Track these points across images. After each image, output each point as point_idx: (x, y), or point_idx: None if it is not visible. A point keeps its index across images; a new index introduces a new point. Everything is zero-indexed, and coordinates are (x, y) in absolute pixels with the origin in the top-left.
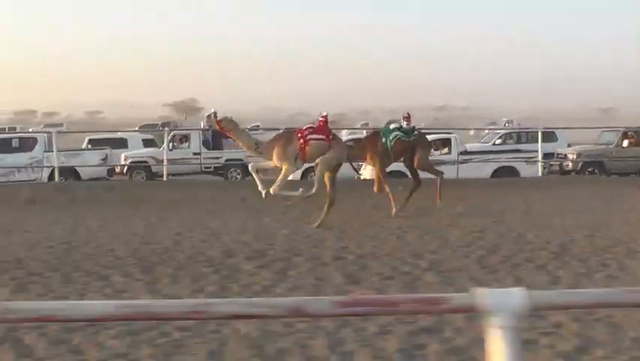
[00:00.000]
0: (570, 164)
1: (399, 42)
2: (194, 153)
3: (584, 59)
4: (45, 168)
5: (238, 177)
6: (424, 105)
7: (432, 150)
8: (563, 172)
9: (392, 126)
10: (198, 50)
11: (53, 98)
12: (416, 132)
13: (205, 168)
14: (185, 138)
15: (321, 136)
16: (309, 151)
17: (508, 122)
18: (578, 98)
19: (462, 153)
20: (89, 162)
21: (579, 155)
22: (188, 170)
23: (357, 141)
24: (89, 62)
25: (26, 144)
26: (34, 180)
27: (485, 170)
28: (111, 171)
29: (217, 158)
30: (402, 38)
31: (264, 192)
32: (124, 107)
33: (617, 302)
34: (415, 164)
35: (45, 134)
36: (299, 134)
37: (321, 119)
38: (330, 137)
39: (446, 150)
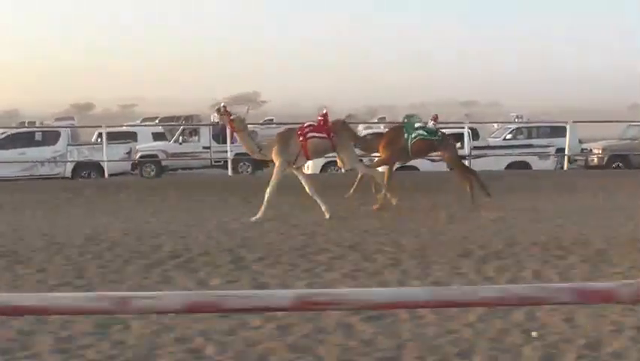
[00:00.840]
0: (595, 159)
1: (424, 38)
2: (204, 147)
3: (612, 57)
4: (68, 162)
5: (248, 170)
6: (450, 100)
7: (456, 150)
8: (588, 167)
9: (417, 125)
10: (259, 42)
11: (119, 91)
12: (440, 133)
13: (215, 161)
14: (195, 132)
15: (321, 134)
16: (310, 148)
17: (517, 117)
18: (605, 96)
19: (483, 148)
20: (113, 156)
21: (604, 150)
22: (198, 164)
23: (377, 135)
24: (142, 57)
25: (49, 138)
26: (57, 174)
27: (499, 164)
28: (134, 166)
29: (226, 152)
30: (428, 34)
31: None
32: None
33: None
34: (449, 167)
35: (69, 128)
36: (299, 132)
37: (320, 117)
38: (331, 134)
39: (459, 144)
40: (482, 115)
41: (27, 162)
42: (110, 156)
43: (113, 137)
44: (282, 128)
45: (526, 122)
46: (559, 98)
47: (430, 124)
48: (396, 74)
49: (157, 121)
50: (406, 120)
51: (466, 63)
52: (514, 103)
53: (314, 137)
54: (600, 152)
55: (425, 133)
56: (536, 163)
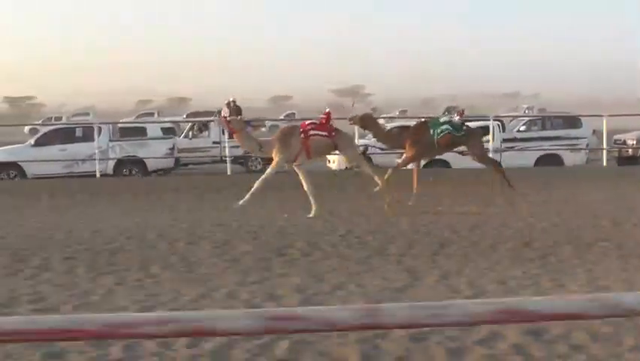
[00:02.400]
0: (630, 150)
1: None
2: (214, 142)
3: None
4: (110, 159)
5: (259, 166)
6: (490, 92)
7: (483, 144)
8: (622, 159)
9: (442, 119)
10: (366, 36)
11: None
12: (465, 128)
13: (225, 156)
14: (205, 127)
15: (323, 132)
16: (311, 146)
17: (528, 108)
18: None
19: (511, 141)
20: (157, 152)
21: (639, 140)
22: (208, 159)
23: (402, 128)
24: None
25: (90, 134)
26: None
27: (528, 158)
28: (177, 162)
29: (237, 147)
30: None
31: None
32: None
33: None
34: (474, 158)
35: (110, 124)
36: (301, 130)
37: (323, 116)
38: (333, 133)
39: (486, 138)
40: (496, 106)
41: (63, 160)
42: (153, 153)
43: (123, 133)
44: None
45: (554, 113)
46: (603, 90)
47: (456, 118)
48: (434, 65)
49: (184, 116)
50: (446, 112)
51: (509, 53)
52: (556, 95)
53: (316, 135)
54: (635, 143)
55: (451, 128)
56: (568, 157)
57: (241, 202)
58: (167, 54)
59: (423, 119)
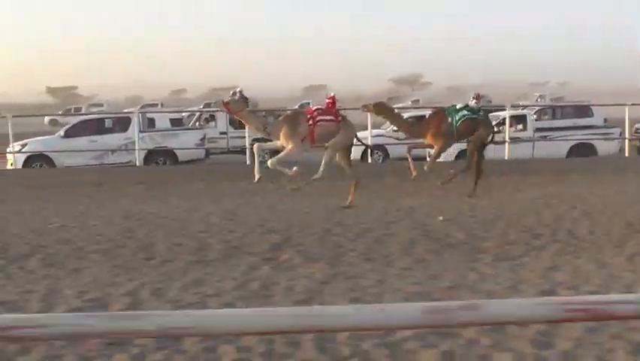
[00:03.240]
0: None
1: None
2: (221, 133)
3: None
4: (140, 150)
5: (266, 156)
6: (517, 81)
7: (494, 131)
8: None
9: (458, 106)
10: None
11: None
12: (481, 112)
13: (232, 147)
14: (212, 117)
15: (329, 117)
16: (317, 132)
17: (540, 96)
18: None
19: (543, 130)
20: (187, 143)
21: None
22: (217, 150)
23: (418, 118)
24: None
25: (120, 125)
26: (128, 162)
27: (560, 148)
28: (208, 152)
29: (243, 137)
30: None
31: (257, 177)
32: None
33: None
34: (477, 140)
35: (140, 114)
36: (308, 115)
37: (328, 100)
38: (339, 118)
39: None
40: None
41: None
42: (184, 143)
43: (153, 123)
44: None
45: (570, 103)
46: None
47: (472, 102)
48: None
49: (201, 107)
50: (474, 101)
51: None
52: (586, 83)
53: (322, 120)
54: None
55: (469, 113)
56: (602, 146)
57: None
58: (205, 46)
59: (438, 108)
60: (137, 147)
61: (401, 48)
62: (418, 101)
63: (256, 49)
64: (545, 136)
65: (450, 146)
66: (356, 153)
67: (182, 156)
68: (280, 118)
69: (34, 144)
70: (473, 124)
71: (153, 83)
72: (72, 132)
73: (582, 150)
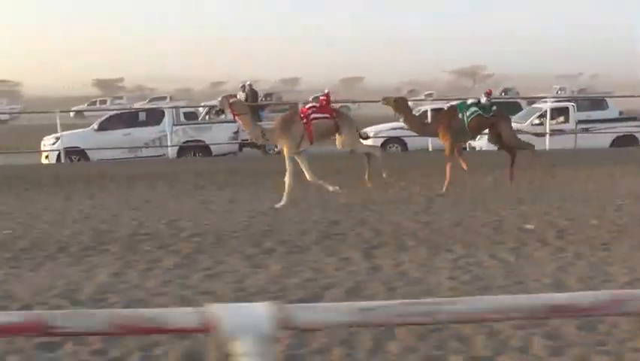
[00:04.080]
0: None
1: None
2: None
3: None
4: (174, 143)
5: (276, 149)
6: (547, 73)
7: (512, 126)
8: None
9: (469, 102)
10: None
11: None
12: (494, 108)
13: (242, 140)
14: (222, 111)
15: (324, 115)
16: (314, 130)
17: (560, 89)
18: None
19: (585, 122)
20: (221, 137)
21: None
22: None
23: (438, 111)
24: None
25: (153, 118)
26: (162, 155)
27: (602, 140)
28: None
29: None
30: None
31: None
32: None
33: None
34: (503, 141)
35: (173, 108)
36: (302, 114)
37: (322, 97)
38: (334, 114)
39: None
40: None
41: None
42: (217, 137)
43: (188, 117)
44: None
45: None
46: None
47: (484, 99)
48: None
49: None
50: (503, 94)
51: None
52: (618, 76)
53: (317, 118)
54: None
55: (480, 110)
56: None
57: (280, 204)
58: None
59: (451, 104)
60: (169, 142)
61: (462, 40)
62: (431, 95)
63: (290, 43)
64: (587, 128)
65: (461, 142)
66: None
67: (215, 149)
68: (275, 122)
69: (68, 138)
70: (484, 121)
71: (194, 75)
72: (106, 125)
73: (626, 142)
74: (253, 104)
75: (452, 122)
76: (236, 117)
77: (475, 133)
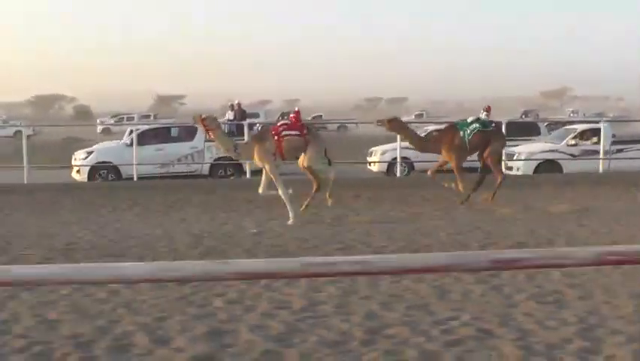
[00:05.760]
0: None
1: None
2: None
3: None
4: (206, 159)
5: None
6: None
7: (505, 144)
8: None
9: (470, 119)
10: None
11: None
12: (493, 125)
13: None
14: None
15: (295, 132)
16: (285, 147)
17: (573, 112)
18: None
19: (617, 143)
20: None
21: None
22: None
23: (430, 133)
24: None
25: (186, 134)
26: (194, 171)
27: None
28: None
29: None
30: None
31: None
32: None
33: None
34: (485, 155)
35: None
36: (273, 132)
37: (292, 115)
38: (305, 131)
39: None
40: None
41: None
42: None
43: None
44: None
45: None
46: None
47: (483, 115)
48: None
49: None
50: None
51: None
52: None
53: (288, 135)
54: None
55: (480, 126)
56: None
57: (290, 221)
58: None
59: (449, 123)
60: (204, 159)
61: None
62: (422, 115)
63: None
64: (622, 149)
65: (464, 159)
66: (382, 166)
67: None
68: (247, 139)
69: (100, 153)
70: (485, 136)
71: (239, 92)
72: (138, 140)
73: None
74: (240, 122)
75: (454, 139)
76: (209, 132)
77: (473, 150)
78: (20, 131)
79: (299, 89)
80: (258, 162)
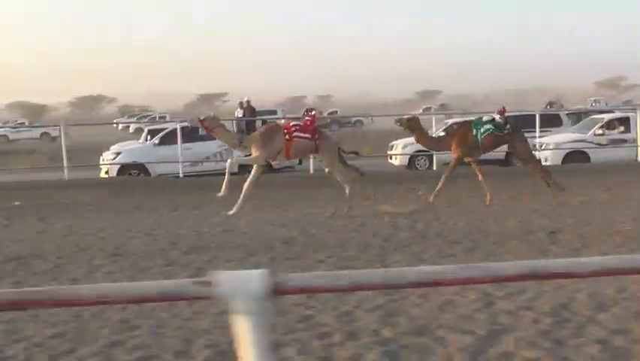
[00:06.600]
0: None
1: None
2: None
3: None
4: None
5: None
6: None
7: (527, 141)
8: None
9: (485, 118)
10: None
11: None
12: (509, 126)
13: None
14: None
15: (306, 135)
16: (293, 147)
17: (595, 101)
18: None
19: None
20: None
21: None
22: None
23: (451, 127)
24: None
25: None
26: (222, 169)
27: None
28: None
29: None
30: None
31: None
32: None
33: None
34: (518, 155)
35: (233, 121)
36: (285, 131)
37: (308, 118)
38: (316, 136)
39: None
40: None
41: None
42: None
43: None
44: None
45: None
46: None
47: (497, 117)
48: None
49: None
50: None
51: None
52: None
53: (299, 137)
54: None
55: (493, 128)
56: None
57: (233, 211)
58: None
59: (465, 120)
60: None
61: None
62: (429, 109)
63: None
64: None
65: (470, 158)
66: (403, 159)
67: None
68: (256, 132)
69: (129, 152)
70: (497, 139)
71: (276, 88)
72: (166, 140)
73: None
74: (250, 118)
75: (466, 138)
76: (210, 131)
77: (486, 150)
78: (47, 133)
79: (331, 86)
80: (252, 150)
